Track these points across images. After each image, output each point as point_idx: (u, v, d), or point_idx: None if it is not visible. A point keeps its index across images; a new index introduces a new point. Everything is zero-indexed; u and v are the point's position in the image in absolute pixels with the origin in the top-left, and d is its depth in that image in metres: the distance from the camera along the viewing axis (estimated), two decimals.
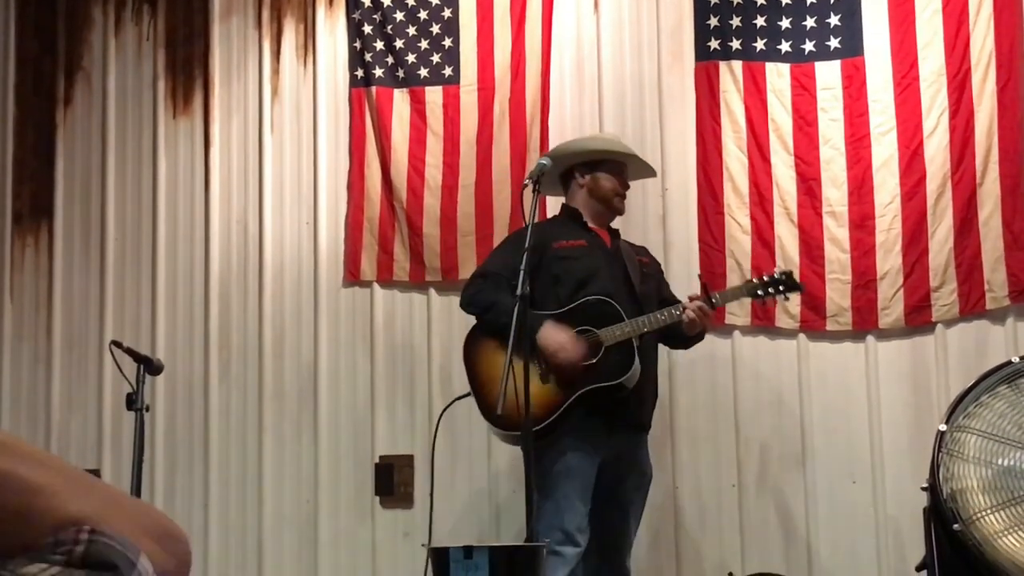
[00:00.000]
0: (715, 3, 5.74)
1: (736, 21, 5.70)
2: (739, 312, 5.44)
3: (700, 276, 5.21)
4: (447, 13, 6.09)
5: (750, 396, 5.61)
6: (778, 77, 5.65)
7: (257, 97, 6.41)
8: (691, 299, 4.66)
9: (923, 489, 4.45)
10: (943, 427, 4.39)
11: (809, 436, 5.52)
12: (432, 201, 6.00)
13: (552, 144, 5.73)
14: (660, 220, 5.74)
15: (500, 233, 5.84)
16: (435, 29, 6.10)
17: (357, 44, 6.20)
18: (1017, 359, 4.46)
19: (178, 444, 6.29)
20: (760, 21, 5.69)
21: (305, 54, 6.37)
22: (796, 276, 4.88)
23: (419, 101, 6.08)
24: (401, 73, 6.11)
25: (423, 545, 4.39)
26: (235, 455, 6.20)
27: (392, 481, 5.95)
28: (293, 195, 6.31)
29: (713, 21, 5.73)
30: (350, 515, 6.01)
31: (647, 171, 5.24)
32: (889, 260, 5.43)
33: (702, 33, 5.75)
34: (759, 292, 4.78)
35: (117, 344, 4.60)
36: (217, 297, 6.32)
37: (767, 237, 5.57)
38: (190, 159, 6.49)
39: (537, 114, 5.87)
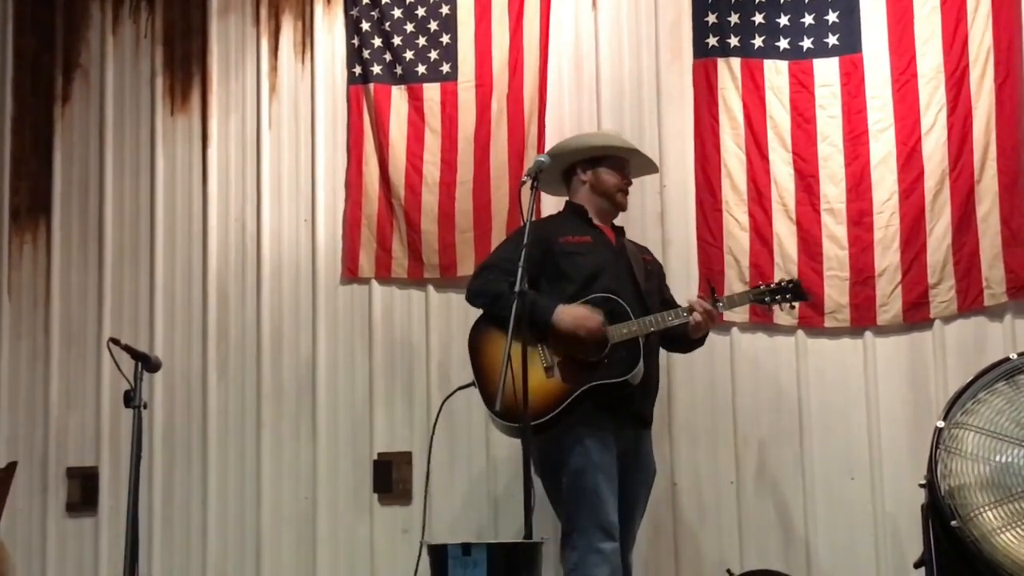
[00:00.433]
0: (713, 0, 5.73)
1: (734, 18, 5.70)
2: (737, 309, 5.43)
3: (708, 281, 5.25)
4: (445, 10, 6.09)
5: (748, 393, 5.61)
6: (776, 74, 5.65)
7: (255, 94, 6.41)
8: (697, 302, 4.68)
9: (921, 486, 4.45)
10: (941, 424, 4.39)
11: (807, 433, 5.52)
12: (430, 198, 6.00)
13: (550, 141, 5.73)
14: (658, 217, 5.73)
15: (498, 230, 5.84)
16: (433, 26, 6.10)
17: (355, 41, 6.20)
18: (1015, 356, 4.47)
19: (176, 441, 6.28)
20: (758, 18, 5.68)
21: (303, 51, 6.37)
22: (802, 285, 4.91)
23: (417, 98, 6.07)
24: (399, 70, 6.11)
25: (421, 542, 4.39)
26: (233, 452, 6.20)
27: (390, 478, 5.95)
28: (291, 192, 6.30)
29: (711, 18, 5.73)
30: (348, 512, 6.01)
31: (649, 167, 5.24)
32: (887, 257, 5.43)
33: (700, 30, 5.75)
34: (765, 299, 4.81)
35: (115, 341, 4.59)
36: (215, 294, 6.32)
37: (765, 234, 5.56)
38: (188, 156, 6.48)
39: (535, 111, 5.87)
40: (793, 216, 5.56)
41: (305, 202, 6.27)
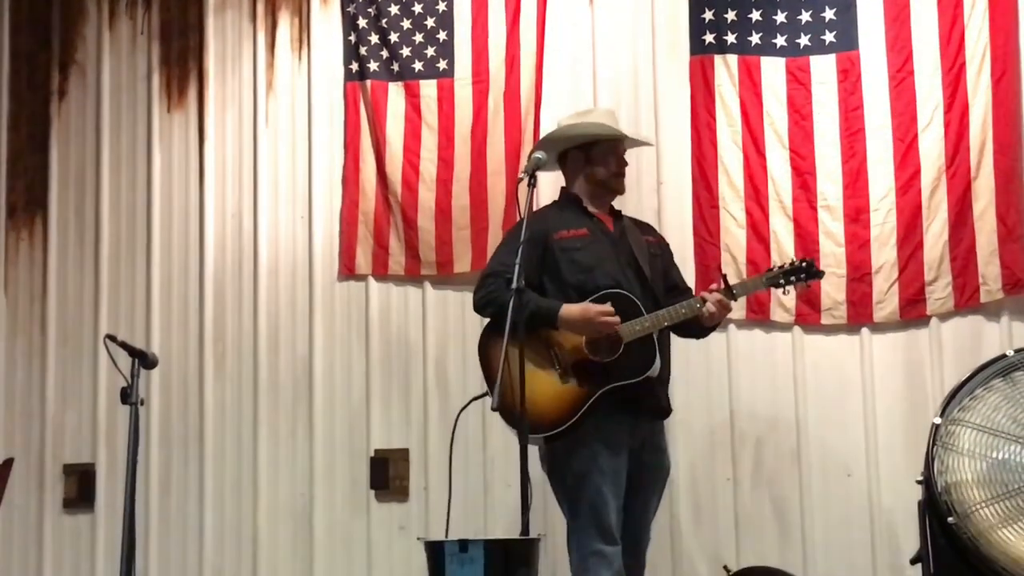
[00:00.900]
0: None
1: (731, 15, 5.70)
2: (734, 306, 5.41)
3: (719, 269, 5.17)
4: (442, 6, 6.09)
5: (745, 389, 5.61)
6: (773, 71, 5.65)
7: (252, 91, 6.41)
8: (710, 291, 4.55)
9: (918, 482, 4.45)
10: (938, 420, 4.39)
11: (804, 429, 5.52)
12: (427, 195, 6.00)
13: None
14: (655, 214, 5.72)
15: (495, 227, 5.84)
16: (430, 22, 6.10)
17: (352, 37, 6.20)
18: (1012, 352, 4.47)
19: (173, 438, 6.28)
20: (756, 15, 5.68)
21: (300, 47, 6.37)
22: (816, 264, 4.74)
23: (414, 95, 6.07)
24: (396, 66, 6.11)
25: (419, 539, 4.38)
26: (230, 449, 6.20)
27: (387, 475, 5.96)
28: (288, 189, 6.30)
29: (708, 15, 5.73)
30: (345, 509, 6.01)
31: (644, 143, 5.19)
32: (884, 254, 5.43)
33: (697, 27, 5.75)
34: (780, 281, 4.64)
35: (111, 338, 4.58)
36: (212, 291, 6.32)
37: (762, 231, 5.57)
38: (184, 153, 6.48)
39: (532, 107, 5.87)
40: (790, 213, 5.56)
41: (302, 199, 6.26)
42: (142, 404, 4.51)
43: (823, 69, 5.59)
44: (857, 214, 5.48)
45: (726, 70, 5.69)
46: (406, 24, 6.12)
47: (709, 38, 5.72)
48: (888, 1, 5.54)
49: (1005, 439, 4.26)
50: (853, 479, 5.45)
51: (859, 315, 5.46)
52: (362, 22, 6.17)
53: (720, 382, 5.63)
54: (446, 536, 4.55)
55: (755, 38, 5.68)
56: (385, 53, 6.14)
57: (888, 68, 5.52)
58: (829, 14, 5.60)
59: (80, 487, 6.36)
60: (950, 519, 4.24)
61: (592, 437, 4.42)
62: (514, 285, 4.24)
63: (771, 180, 5.60)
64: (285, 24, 6.39)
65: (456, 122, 6.00)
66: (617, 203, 4.94)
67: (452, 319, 5.98)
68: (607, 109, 5.14)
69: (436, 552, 4.09)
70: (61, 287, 6.58)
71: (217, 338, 6.29)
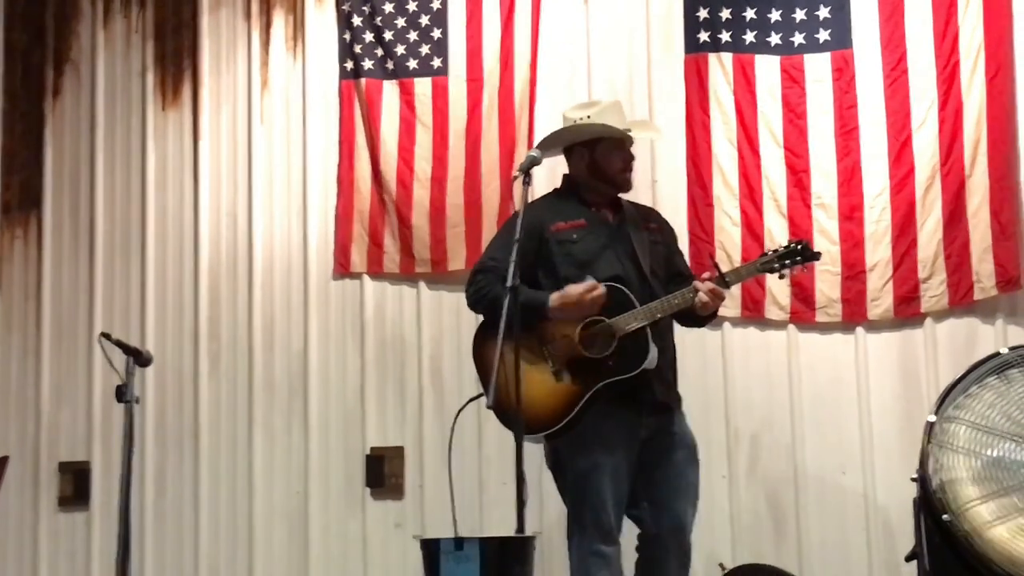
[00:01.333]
0: None
1: (726, 13, 5.70)
2: (729, 304, 5.42)
3: (711, 256, 5.08)
4: (436, 4, 6.09)
5: (740, 387, 5.62)
6: (768, 69, 5.65)
7: (246, 89, 6.40)
8: (703, 280, 4.39)
9: (913, 480, 4.46)
10: (932, 418, 4.39)
11: (799, 427, 5.53)
12: (421, 193, 6.00)
13: (540, 136, 5.72)
14: None
15: (489, 225, 5.84)
16: (424, 20, 6.10)
17: (346, 36, 6.20)
18: (1006, 350, 4.48)
19: (168, 436, 6.28)
20: (750, 13, 5.69)
21: (295, 46, 6.36)
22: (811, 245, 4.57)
23: (408, 92, 6.07)
24: (390, 64, 6.11)
25: (414, 536, 4.38)
26: (225, 447, 6.20)
27: (382, 473, 5.96)
28: (283, 187, 6.30)
29: (703, 13, 5.73)
30: (340, 506, 6.01)
31: (651, 134, 5.14)
32: (878, 251, 5.44)
33: (692, 25, 5.75)
34: (775, 266, 4.45)
35: (106, 336, 4.59)
36: (207, 289, 6.31)
37: (756, 229, 5.57)
38: (179, 151, 6.48)
39: (526, 105, 5.87)
40: (784, 211, 5.57)
41: (297, 197, 6.26)
42: (137, 402, 4.51)
43: (818, 67, 5.60)
44: (851, 212, 5.49)
45: (721, 68, 5.69)
46: (401, 22, 6.12)
47: (704, 36, 5.73)
48: None
49: (1000, 437, 4.27)
50: (848, 477, 5.46)
51: (854, 313, 5.47)
52: (357, 20, 6.17)
53: (715, 380, 5.64)
54: (455, 533, 4.50)
55: (750, 36, 5.68)
56: (380, 51, 6.14)
57: (882, 66, 5.53)
58: (824, 12, 5.61)
59: (75, 485, 6.36)
60: (945, 516, 4.25)
61: (591, 435, 4.36)
62: (509, 283, 4.19)
63: (766, 178, 5.60)
64: (280, 22, 6.39)
65: (450, 120, 6.00)
66: None
67: (447, 317, 5.99)
68: (613, 102, 4.92)
69: (432, 550, 4.09)
70: (56, 285, 6.57)
71: (212, 336, 6.29)
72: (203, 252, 6.34)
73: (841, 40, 5.59)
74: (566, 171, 4.75)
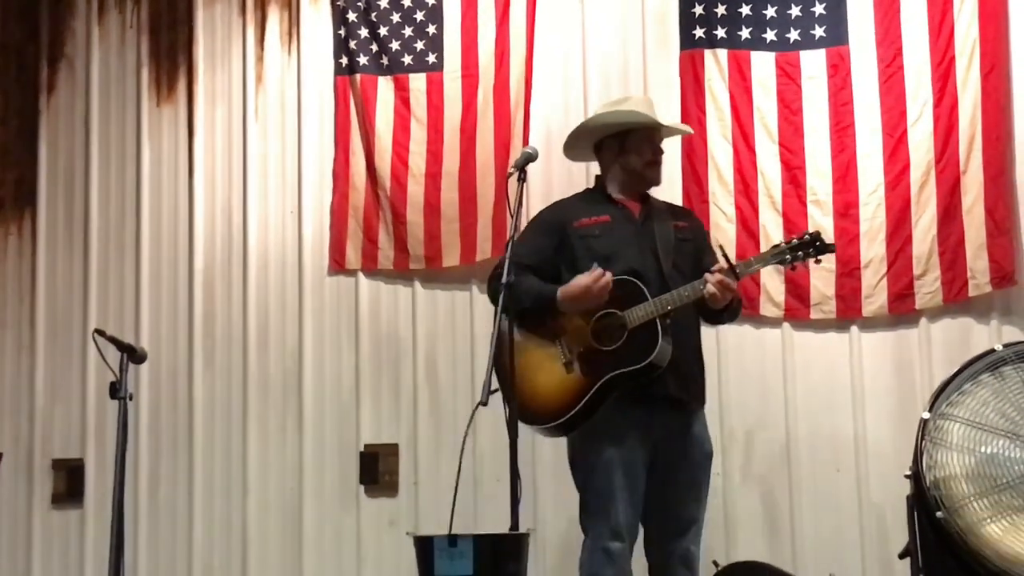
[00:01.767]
0: None
1: (721, 9, 5.70)
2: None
3: (721, 248, 5.04)
4: (431, 0, 6.08)
5: (734, 385, 5.61)
6: (763, 66, 5.65)
7: (241, 85, 6.40)
8: (712, 271, 4.35)
9: (907, 477, 4.46)
10: (926, 415, 4.40)
11: (793, 425, 5.53)
12: (416, 189, 5.99)
13: (535, 132, 5.77)
14: None
15: (484, 221, 5.84)
16: (419, 16, 6.09)
17: (341, 31, 6.19)
18: (1000, 347, 4.48)
19: (162, 433, 6.28)
20: (745, 9, 5.68)
21: (289, 41, 6.36)
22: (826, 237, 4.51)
23: (403, 88, 6.07)
24: (385, 60, 6.10)
25: (408, 533, 4.37)
26: (219, 444, 6.19)
27: (377, 470, 5.95)
28: (277, 183, 6.29)
29: (698, 9, 5.73)
30: (335, 503, 6.01)
31: (682, 130, 5.12)
32: (873, 248, 5.44)
33: (687, 21, 5.75)
34: (787, 257, 4.39)
35: (101, 333, 4.58)
36: (201, 286, 6.31)
37: (751, 226, 5.57)
38: (174, 147, 6.47)
39: (521, 101, 5.86)
40: (779, 208, 5.57)
41: (291, 193, 6.26)
42: (131, 399, 4.50)
43: (813, 64, 5.59)
44: (846, 209, 5.49)
45: (716, 65, 5.69)
46: (395, 18, 6.12)
47: (699, 32, 5.72)
48: None
49: (993, 433, 4.27)
50: (842, 474, 5.46)
51: (848, 309, 5.46)
52: (352, 16, 6.17)
53: (709, 377, 5.54)
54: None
55: (745, 33, 5.68)
56: (374, 47, 6.13)
57: (878, 63, 5.52)
58: (819, 9, 5.60)
59: (69, 482, 6.35)
60: (939, 514, 4.25)
61: (603, 430, 4.35)
62: (504, 280, 4.20)
63: (761, 175, 5.60)
64: (275, 18, 6.38)
65: (445, 116, 5.99)
66: None
67: (442, 314, 5.98)
68: (643, 97, 4.97)
69: (425, 547, 4.08)
70: (50, 282, 6.57)
71: (206, 333, 6.28)
72: (198, 249, 6.33)
73: (836, 36, 5.59)
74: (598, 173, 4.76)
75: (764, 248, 5.46)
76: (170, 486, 6.23)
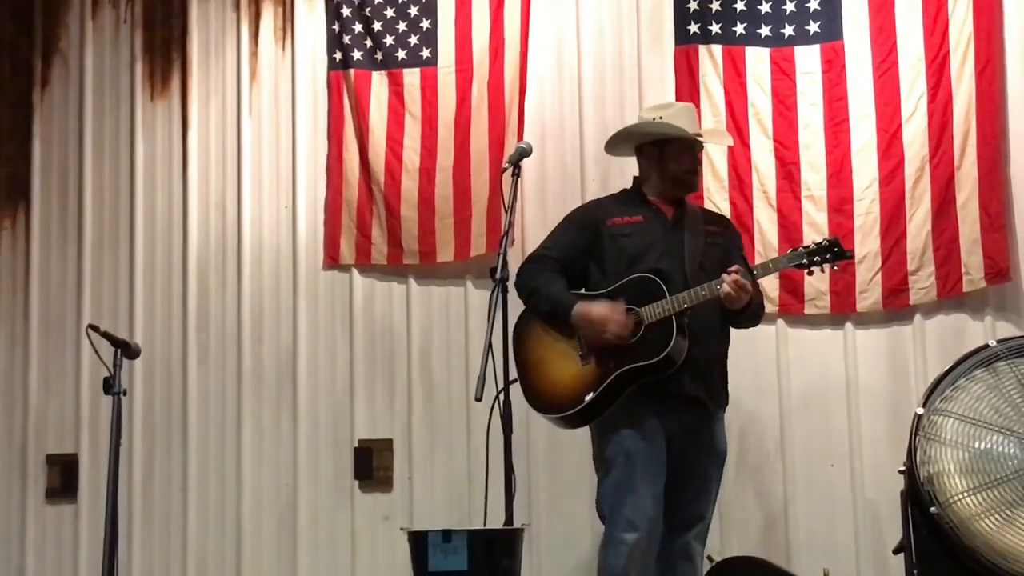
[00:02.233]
0: None
1: (716, 5, 5.70)
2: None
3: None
4: None
5: (729, 381, 5.60)
6: (758, 61, 5.65)
7: (235, 80, 6.39)
8: (728, 272, 4.35)
9: (900, 472, 4.47)
10: (920, 410, 4.40)
11: (787, 420, 5.53)
12: (410, 184, 5.98)
13: (529, 128, 5.77)
14: None
15: (478, 216, 5.83)
16: (413, 11, 6.08)
17: (335, 26, 6.18)
18: (994, 343, 4.49)
19: (156, 428, 6.27)
20: (740, 5, 5.68)
21: (283, 36, 6.35)
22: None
23: (397, 83, 6.06)
24: (379, 55, 6.10)
25: (402, 529, 4.38)
26: (214, 439, 6.19)
27: (371, 465, 5.95)
28: (271, 179, 6.28)
29: (693, 5, 5.72)
30: (329, 499, 6.00)
31: (723, 138, 5.21)
32: (867, 244, 5.44)
33: (682, 16, 5.74)
34: (804, 262, 4.43)
35: (94, 328, 4.58)
36: (195, 281, 6.30)
37: (746, 221, 5.56)
38: (168, 142, 6.46)
39: (516, 96, 5.85)
40: (774, 203, 5.57)
41: (286, 189, 6.25)
42: (125, 394, 4.51)
43: (807, 59, 5.59)
44: (841, 204, 5.49)
45: (711, 60, 5.69)
46: (389, 12, 6.11)
47: (694, 28, 5.72)
48: None
49: (987, 429, 4.28)
50: (836, 469, 5.46)
51: (842, 304, 5.46)
52: (345, 11, 6.16)
53: None
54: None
55: (740, 28, 5.68)
56: (368, 42, 6.13)
57: (872, 58, 5.53)
58: (813, 4, 5.61)
59: (63, 477, 6.34)
60: (932, 509, 4.26)
61: (623, 422, 4.39)
62: (498, 275, 4.23)
63: (755, 170, 5.60)
64: (269, 13, 6.37)
65: (439, 111, 5.99)
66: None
67: (436, 310, 5.98)
68: (687, 105, 4.98)
69: (419, 542, 4.09)
70: (44, 276, 6.55)
71: (200, 328, 6.27)
72: (192, 244, 6.32)
73: (831, 32, 5.59)
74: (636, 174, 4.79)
75: (759, 244, 5.49)
76: (164, 481, 6.22)
